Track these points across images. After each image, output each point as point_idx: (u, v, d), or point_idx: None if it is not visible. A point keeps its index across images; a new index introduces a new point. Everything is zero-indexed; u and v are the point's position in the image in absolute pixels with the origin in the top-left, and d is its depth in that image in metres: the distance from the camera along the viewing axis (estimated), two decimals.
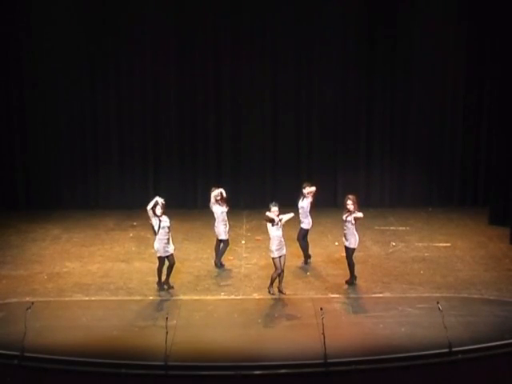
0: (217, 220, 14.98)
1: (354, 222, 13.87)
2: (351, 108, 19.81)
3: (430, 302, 12.90)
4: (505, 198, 17.67)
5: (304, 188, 15.12)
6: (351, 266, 14.09)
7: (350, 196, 14.08)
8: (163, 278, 13.98)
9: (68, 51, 19.17)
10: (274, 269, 13.63)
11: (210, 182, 18.88)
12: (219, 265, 15.21)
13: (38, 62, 19.12)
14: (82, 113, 19.56)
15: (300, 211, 15.04)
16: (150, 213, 13.70)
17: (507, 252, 16.16)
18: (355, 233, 13.92)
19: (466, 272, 14.94)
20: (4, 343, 11.50)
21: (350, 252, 14.01)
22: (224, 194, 14.99)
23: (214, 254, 15.31)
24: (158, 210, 13.69)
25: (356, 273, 14.26)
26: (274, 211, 13.56)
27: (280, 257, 13.55)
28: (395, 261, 15.66)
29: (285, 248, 13.63)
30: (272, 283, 13.72)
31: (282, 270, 13.66)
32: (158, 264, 13.93)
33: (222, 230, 14.98)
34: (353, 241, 13.93)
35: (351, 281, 14.12)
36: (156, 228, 13.69)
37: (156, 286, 14.01)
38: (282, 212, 13.63)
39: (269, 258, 13.82)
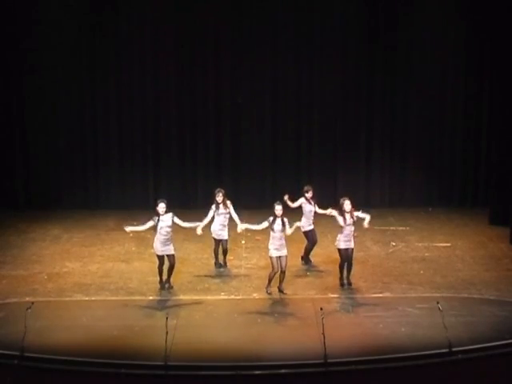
0: (215, 220, 15.01)
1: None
2: (351, 108, 19.83)
3: (429, 302, 12.88)
4: (505, 198, 17.66)
5: (307, 192, 15.11)
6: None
7: (346, 198, 14.03)
8: (165, 277, 13.99)
9: (68, 51, 19.19)
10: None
11: (210, 181, 18.95)
12: (218, 265, 15.21)
13: (38, 62, 19.14)
14: (82, 113, 19.59)
15: (309, 215, 15.07)
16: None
17: (507, 252, 16.17)
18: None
19: (466, 272, 14.95)
20: (4, 343, 11.49)
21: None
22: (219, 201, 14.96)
23: (213, 254, 15.30)
24: (161, 209, 13.70)
25: (356, 273, 14.27)
26: (277, 210, 13.58)
27: (280, 257, 13.55)
28: (395, 261, 15.67)
29: (285, 249, 13.60)
30: (269, 283, 13.73)
31: (283, 272, 13.65)
32: (157, 263, 13.96)
33: (216, 228, 14.96)
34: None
35: (343, 281, 14.14)
36: (157, 226, 13.71)
37: (158, 285, 14.02)
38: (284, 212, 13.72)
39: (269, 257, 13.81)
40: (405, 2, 19.43)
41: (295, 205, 15.12)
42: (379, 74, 19.68)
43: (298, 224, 14.27)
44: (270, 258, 13.64)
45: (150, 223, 13.78)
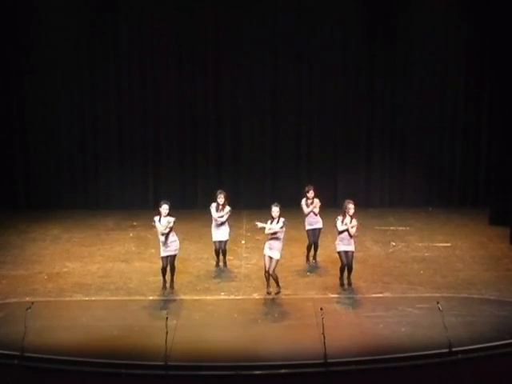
0: (213, 222, 15.02)
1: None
2: (351, 108, 19.84)
3: (430, 302, 12.88)
4: (505, 198, 17.66)
5: (308, 192, 15.12)
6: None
7: (351, 201, 13.98)
8: (168, 278, 14.02)
9: (68, 52, 19.21)
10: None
11: (210, 182, 18.96)
12: (218, 265, 15.22)
13: (38, 62, 19.15)
14: (82, 113, 19.60)
15: (312, 214, 15.10)
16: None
17: (507, 252, 16.17)
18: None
19: (466, 272, 14.94)
20: (4, 343, 11.48)
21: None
22: (220, 202, 14.90)
23: (213, 254, 15.29)
24: (164, 211, 13.71)
25: (356, 273, 14.27)
26: (274, 211, 13.57)
27: (270, 257, 13.51)
28: (395, 261, 15.66)
29: (275, 252, 13.47)
30: (267, 282, 13.70)
31: (270, 274, 13.52)
32: (160, 264, 14.02)
33: (212, 230, 14.96)
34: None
35: (342, 281, 14.15)
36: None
37: (161, 284, 14.04)
38: (283, 212, 13.69)
39: None
40: (404, 3, 19.42)
41: (307, 209, 15.12)
42: (379, 75, 19.68)
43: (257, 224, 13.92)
44: (263, 256, 13.66)
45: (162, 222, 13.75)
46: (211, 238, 15.06)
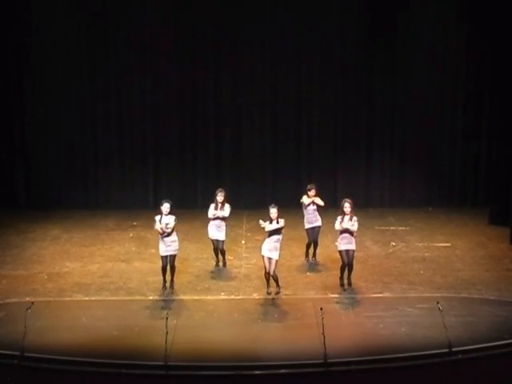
0: (211, 221, 15.01)
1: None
2: (351, 108, 19.81)
3: (430, 302, 12.88)
4: (505, 198, 17.65)
5: (309, 191, 15.15)
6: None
7: (348, 200, 14.00)
8: (168, 278, 14.02)
9: (68, 51, 19.19)
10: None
11: (210, 182, 18.95)
12: (218, 265, 15.22)
13: (38, 62, 19.14)
14: (82, 113, 19.58)
15: (306, 213, 15.16)
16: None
17: (507, 252, 16.17)
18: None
19: (466, 272, 14.94)
20: (4, 343, 11.49)
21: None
22: (220, 200, 14.91)
23: (213, 254, 15.30)
24: (165, 210, 13.73)
25: (356, 273, 14.27)
26: (272, 212, 13.57)
27: (269, 259, 13.51)
28: (395, 261, 15.66)
29: (276, 253, 13.50)
30: (267, 283, 13.71)
31: (271, 275, 13.53)
32: (160, 264, 14.03)
33: (211, 229, 14.92)
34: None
35: (342, 281, 14.14)
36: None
37: (161, 285, 14.05)
38: (283, 212, 13.70)
39: None
40: (404, 3, 19.40)
41: (308, 200, 15.15)
42: (379, 75, 19.66)
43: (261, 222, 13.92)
44: (262, 257, 13.65)
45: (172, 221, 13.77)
46: (208, 236, 15.04)
